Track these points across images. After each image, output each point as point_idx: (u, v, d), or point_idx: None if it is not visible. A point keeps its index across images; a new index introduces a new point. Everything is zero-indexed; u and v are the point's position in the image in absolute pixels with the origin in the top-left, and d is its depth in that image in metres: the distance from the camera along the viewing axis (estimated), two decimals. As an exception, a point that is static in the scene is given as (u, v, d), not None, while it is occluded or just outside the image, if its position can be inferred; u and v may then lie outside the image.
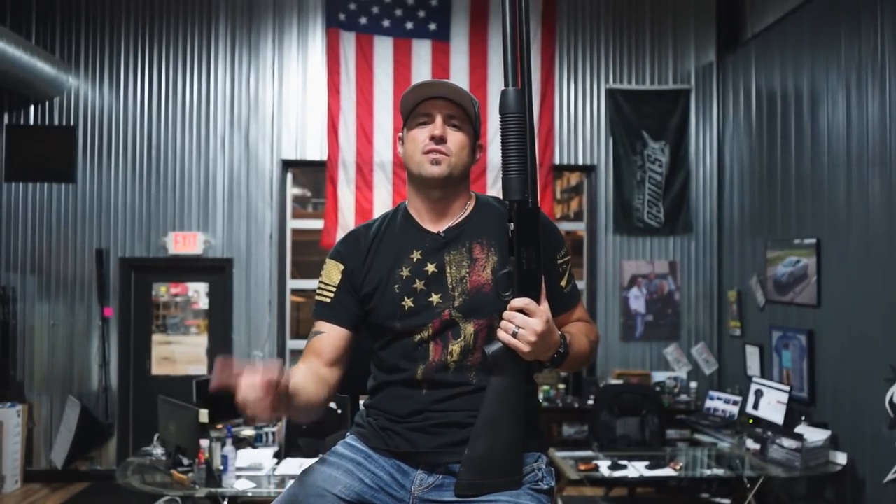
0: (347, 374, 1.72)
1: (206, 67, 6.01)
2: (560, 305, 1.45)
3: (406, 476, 1.40)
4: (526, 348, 1.27)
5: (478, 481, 1.29)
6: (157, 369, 6.04)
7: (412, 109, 1.47)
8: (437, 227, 1.47)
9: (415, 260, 1.44)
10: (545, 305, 1.30)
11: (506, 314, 1.29)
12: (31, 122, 5.90)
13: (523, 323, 1.27)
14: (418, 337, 1.41)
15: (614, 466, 4.13)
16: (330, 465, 1.40)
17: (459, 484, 1.31)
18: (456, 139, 1.44)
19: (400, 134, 1.53)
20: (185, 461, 3.85)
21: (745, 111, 5.84)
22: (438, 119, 1.44)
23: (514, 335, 1.27)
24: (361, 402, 1.58)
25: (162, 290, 6.07)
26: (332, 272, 1.49)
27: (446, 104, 1.44)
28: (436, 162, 1.42)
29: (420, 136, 1.44)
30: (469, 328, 1.40)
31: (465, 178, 1.49)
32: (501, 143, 1.28)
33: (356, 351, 1.54)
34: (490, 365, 1.31)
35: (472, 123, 1.47)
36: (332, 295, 1.48)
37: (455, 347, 1.39)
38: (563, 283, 1.48)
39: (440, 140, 1.42)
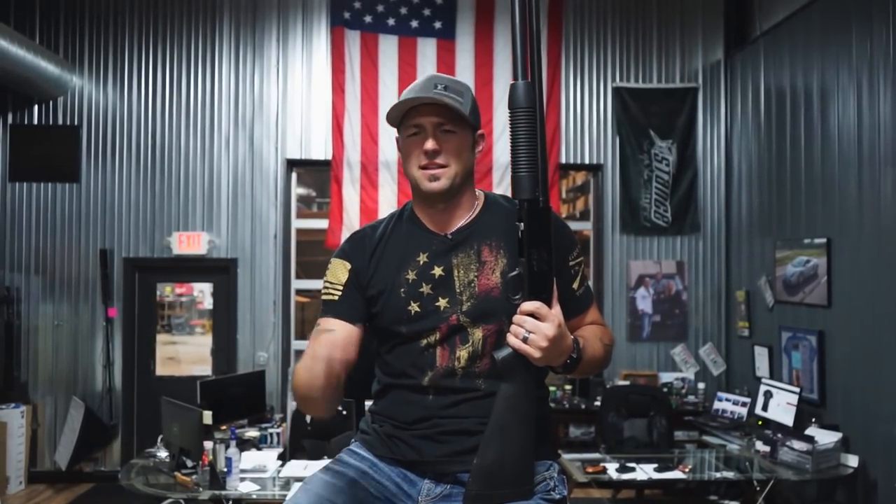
0: (352, 377, 1.68)
1: (210, 67, 5.98)
2: (572, 308, 1.40)
3: (413, 486, 1.36)
4: (537, 354, 1.22)
5: (487, 492, 1.24)
6: (161, 370, 6.01)
7: (401, 121, 1.41)
8: (444, 229, 1.43)
9: (421, 263, 1.39)
10: (557, 309, 1.25)
11: (516, 318, 1.24)
12: (35, 121, 5.89)
13: (534, 327, 1.22)
14: (425, 342, 1.37)
15: (622, 469, 4.09)
16: (334, 475, 1.35)
17: (468, 494, 1.25)
18: (451, 146, 1.37)
19: (397, 136, 1.47)
20: (189, 463, 3.82)
21: (753, 109, 5.78)
22: (429, 129, 1.36)
23: (525, 340, 1.22)
24: (367, 406, 1.53)
25: (167, 291, 6.04)
26: (339, 271, 1.43)
27: (434, 109, 1.36)
28: (434, 178, 1.37)
29: (413, 150, 1.38)
30: (477, 333, 1.35)
31: (468, 179, 1.43)
32: (511, 139, 1.24)
33: (362, 354, 1.49)
34: (500, 371, 1.26)
35: (466, 118, 1.38)
36: (339, 292, 1.41)
37: (463, 353, 1.35)
38: (575, 286, 1.43)
39: (434, 154, 1.36)
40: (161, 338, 6.03)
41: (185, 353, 6.05)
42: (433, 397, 1.36)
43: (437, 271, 1.38)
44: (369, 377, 1.50)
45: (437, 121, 1.37)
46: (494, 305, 1.35)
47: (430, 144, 1.36)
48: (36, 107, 5.88)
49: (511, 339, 1.23)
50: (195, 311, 6.09)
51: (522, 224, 1.24)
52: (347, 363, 1.34)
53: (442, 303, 1.37)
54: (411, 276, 1.39)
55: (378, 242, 1.44)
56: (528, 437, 1.26)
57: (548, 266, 1.25)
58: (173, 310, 6.08)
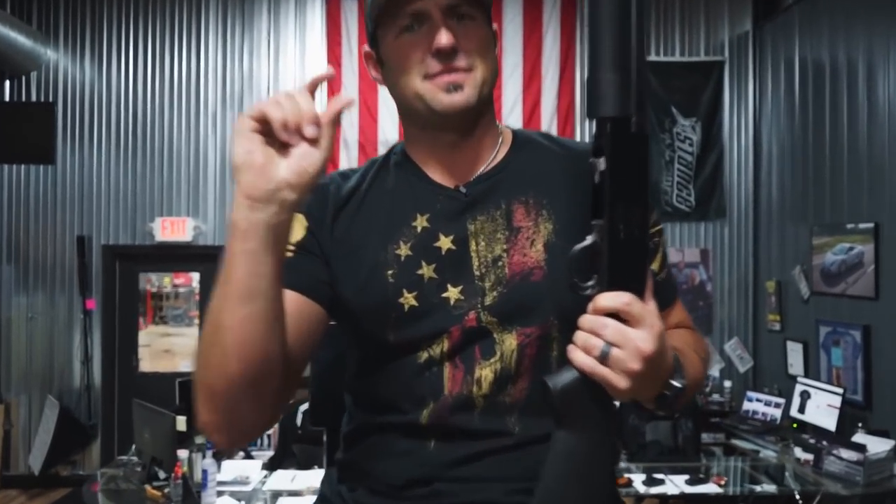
0: (324, 402, 1.23)
1: (196, 39, 5.73)
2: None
3: None
4: (623, 383, 0.73)
5: None
6: (152, 365, 5.68)
7: (384, 9, 0.90)
8: (454, 178, 0.95)
9: (419, 229, 0.92)
10: (654, 306, 0.77)
11: (587, 321, 0.75)
12: (7, 98, 5.64)
13: (620, 337, 0.73)
14: (425, 356, 0.89)
15: (650, 481, 3.67)
16: None
17: None
18: (475, 39, 0.90)
19: (366, 49, 0.98)
20: (161, 474, 3.42)
21: (786, 84, 5.39)
22: (436, 17, 0.87)
23: (604, 358, 0.73)
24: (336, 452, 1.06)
25: (166, 282, 5.77)
26: (296, 228, 0.93)
27: None
28: (455, 87, 0.88)
29: (412, 53, 0.89)
30: (509, 341, 0.88)
31: (491, 98, 0.95)
32: (589, 23, 0.76)
33: (336, 369, 1.05)
34: (557, 408, 0.76)
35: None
36: (290, 254, 0.90)
37: (485, 372, 0.88)
38: (655, 267, 0.95)
39: (451, 53, 0.87)
40: (156, 329, 5.71)
41: (184, 347, 5.69)
42: (436, 445, 0.89)
43: (445, 243, 0.91)
44: (343, 404, 1.02)
45: (448, 2, 0.88)
46: (536, 296, 0.88)
47: (444, 38, 0.86)
48: (7, 82, 5.62)
49: (579, 356, 0.74)
50: (194, 301, 5.76)
51: (602, 160, 0.75)
52: (292, 350, 0.84)
53: (452, 292, 0.89)
54: (404, 250, 0.91)
55: (349, 197, 0.97)
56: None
57: (641, 233, 0.76)
58: (169, 301, 5.76)
